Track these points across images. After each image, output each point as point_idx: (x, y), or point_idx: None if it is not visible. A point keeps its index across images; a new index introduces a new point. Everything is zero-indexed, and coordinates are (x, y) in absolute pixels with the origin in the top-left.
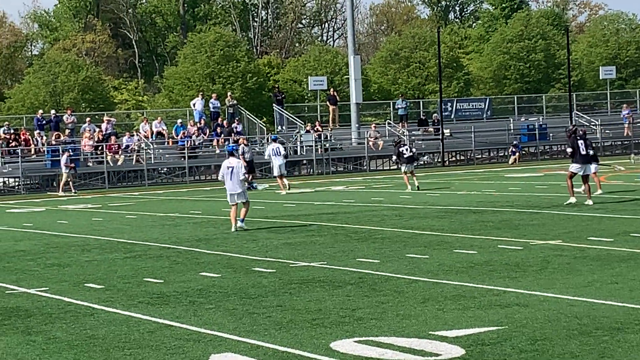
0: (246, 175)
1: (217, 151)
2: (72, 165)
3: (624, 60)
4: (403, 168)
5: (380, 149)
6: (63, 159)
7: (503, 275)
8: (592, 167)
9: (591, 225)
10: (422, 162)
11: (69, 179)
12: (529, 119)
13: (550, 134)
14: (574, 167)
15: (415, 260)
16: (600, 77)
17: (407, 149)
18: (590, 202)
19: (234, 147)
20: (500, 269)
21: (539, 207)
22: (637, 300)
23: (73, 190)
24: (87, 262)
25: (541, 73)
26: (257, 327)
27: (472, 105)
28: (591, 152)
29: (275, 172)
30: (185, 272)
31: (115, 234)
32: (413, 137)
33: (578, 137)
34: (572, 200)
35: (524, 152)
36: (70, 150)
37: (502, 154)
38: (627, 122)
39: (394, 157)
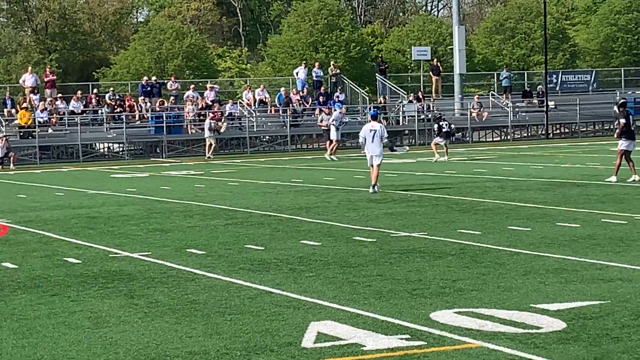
0: (388, 139)
1: (319, 120)
2: (216, 128)
3: None
4: (437, 139)
5: (483, 120)
6: (207, 123)
7: (606, 250)
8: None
9: None
10: (457, 138)
11: (212, 143)
12: (636, 92)
13: None
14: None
15: (517, 232)
16: None
17: (446, 124)
18: (637, 177)
19: (377, 112)
20: (604, 243)
21: None
22: None
23: (210, 156)
24: (189, 228)
25: None
26: (356, 296)
27: (578, 78)
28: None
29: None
30: (286, 239)
31: (217, 201)
32: (517, 109)
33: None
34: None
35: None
36: (212, 115)
37: (607, 127)
38: None
39: (435, 128)
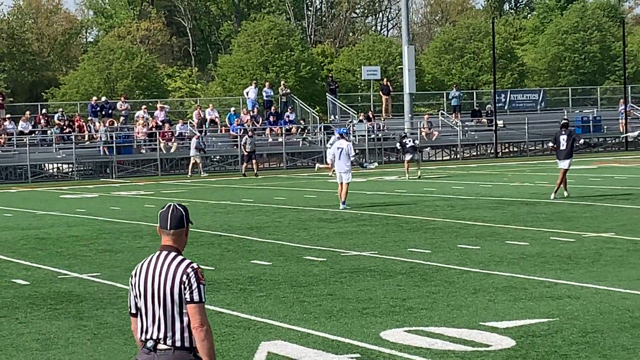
0: (356, 157)
1: (270, 140)
2: (202, 147)
3: None
4: (406, 157)
5: (433, 139)
6: (193, 142)
7: (555, 267)
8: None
9: None
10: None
11: (197, 161)
12: (584, 111)
13: (605, 127)
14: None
15: (467, 250)
16: None
17: (410, 140)
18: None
19: (345, 130)
20: (552, 261)
21: (592, 199)
22: None
23: (203, 174)
24: (139, 249)
25: (596, 65)
26: (307, 316)
27: (526, 97)
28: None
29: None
30: (237, 259)
31: None
32: (466, 128)
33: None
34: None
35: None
36: (199, 133)
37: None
38: (621, 118)
39: (398, 146)
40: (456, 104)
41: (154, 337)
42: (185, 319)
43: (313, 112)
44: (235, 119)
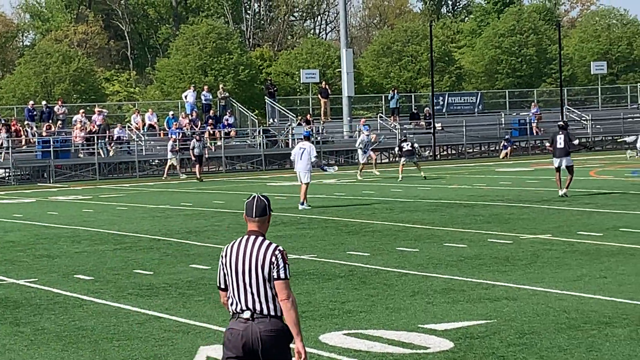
0: (317, 159)
1: (208, 143)
2: (177, 149)
3: (615, 55)
4: (402, 160)
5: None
6: (169, 145)
7: (492, 269)
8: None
9: (581, 220)
10: (424, 156)
11: (174, 164)
12: (520, 114)
13: (542, 129)
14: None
15: (405, 253)
16: (592, 73)
17: (408, 145)
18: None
19: (309, 132)
20: (490, 263)
21: (529, 201)
22: (625, 294)
23: (182, 176)
24: (77, 254)
25: (532, 68)
26: None
27: (464, 100)
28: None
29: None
30: (175, 264)
31: (106, 226)
32: (405, 131)
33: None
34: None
35: (515, 147)
36: (174, 135)
37: (493, 148)
38: (534, 121)
39: (396, 150)
40: (394, 106)
41: (251, 307)
42: (272, 292)
43: (252, 116)
44: (174, 123)
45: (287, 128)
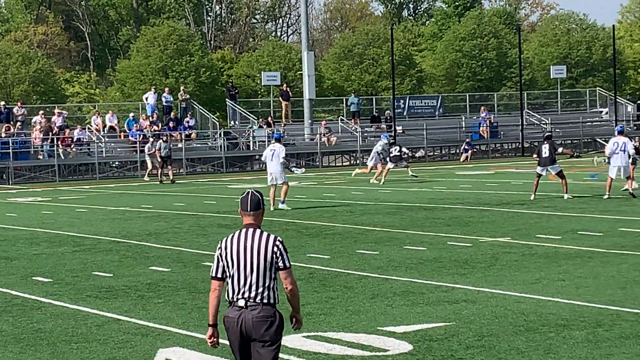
0: (285, 160)
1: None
2: (153, 151)
3: (574, 59)
4: (389, 165)
5: (332, 145)
6: (147, 147)
7: (452, 272)
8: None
9: (539, 223)
10: (417, 157)
11: (155, 165)
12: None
13: (502, 132)
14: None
15: (365, 256)
16: (551, 76)
17: (395, 150)
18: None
19: (280, 135)
20: (449, 266)
21: (489, 204)
22: (583, 297)
23: (146, 178)
24: (36, 256)
25: (493, 71)
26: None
27: (425, 103)
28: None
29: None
30: (135, 266)
31: (65, 228)
32: (366, 134)
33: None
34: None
35: (475, 150)
36: (150, 138)
37: (453, 152)
38: (484, 125)
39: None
40: (355, 109)
41: (246, 296)
42: (271, 281)
43: (213, 118)
44: (134, 125)
45: (248, 130)
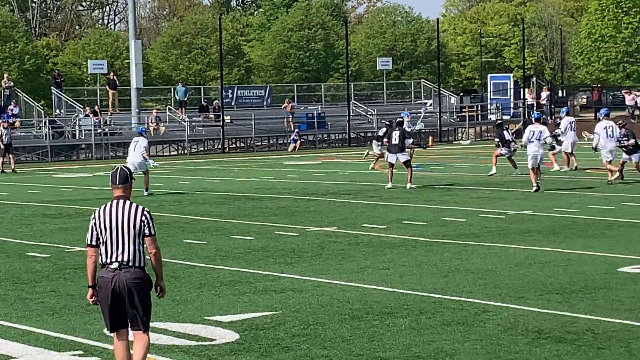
0: (144, 154)
1: None
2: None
3: (400, 51)
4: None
5: (161, 134)
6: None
7: (279, 261)
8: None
9: (365, 213)
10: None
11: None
12: (309, 107)
13: (329, 123)
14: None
15: (193, 245)
16: (377, 68)
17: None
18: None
19: (144, 129)
20: (277, 255)
21: (316, 194)
22: (407, 285)
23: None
24: None
25: (320, 62)
26: (29, 313)
27: (253, 93)
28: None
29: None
30: None
31: None
32: (194, 124)
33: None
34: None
35: (302, 140)
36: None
37: (281, 142)
38: (289, 116)
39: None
40: (183, 99)
41: (119, 259)
42: (140, 246)
43: (38, 106)
44: None
45: (74, 119)
